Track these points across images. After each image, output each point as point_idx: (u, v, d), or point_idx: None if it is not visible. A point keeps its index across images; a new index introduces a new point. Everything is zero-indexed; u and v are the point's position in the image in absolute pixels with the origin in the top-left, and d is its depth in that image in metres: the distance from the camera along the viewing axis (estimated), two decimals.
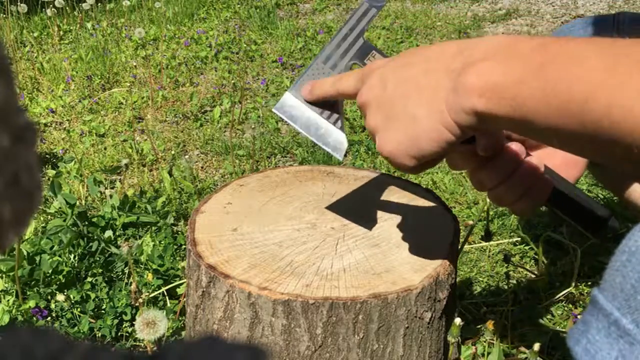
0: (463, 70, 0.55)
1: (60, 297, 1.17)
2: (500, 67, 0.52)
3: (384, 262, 0.84)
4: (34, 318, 1.17)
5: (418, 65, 0.60)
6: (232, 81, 2.57)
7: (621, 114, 0.44)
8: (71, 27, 3.34)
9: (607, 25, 1.08)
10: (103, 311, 1.20)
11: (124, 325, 1.19)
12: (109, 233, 1.38)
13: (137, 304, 1.09)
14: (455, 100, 0.56)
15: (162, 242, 1.36)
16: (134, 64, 2.79)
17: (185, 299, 1.00)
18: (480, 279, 1.34)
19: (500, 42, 0.55)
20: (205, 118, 2.25)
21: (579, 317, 0.54)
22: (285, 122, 0.81)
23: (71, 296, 1.20)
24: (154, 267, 1.27)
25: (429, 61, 0.60)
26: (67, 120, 2.26)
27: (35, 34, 3.22)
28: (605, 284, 0.50)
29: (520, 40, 0.53)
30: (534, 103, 0.49)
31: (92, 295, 1.21)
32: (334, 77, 0.74)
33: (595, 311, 0.50)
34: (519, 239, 1.45)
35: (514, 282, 1.33)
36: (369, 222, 0.93)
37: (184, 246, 1.38)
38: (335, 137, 0.79)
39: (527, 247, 1.43)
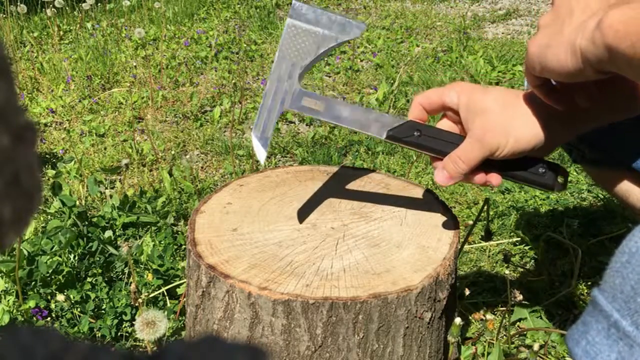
0: (616, 4, 0.58)
1: (60, 297, 1.17)
2: (637, 7, 0.54)
3: (384, 262, 0.84)
4: (34, 318, 1.17)
5: None
6: (232, 81, 2.57)
7: None
8: (71, 27, 3.34)
9: None
10: (103, 311, 1.20)
11: (124, 325, 1.19)
12: (109, 233, 1.37)
13: (137, 304, 1.09)
14: (593, 29, 0.58)
15: (162, 242, 1.36)
16: (134, 64, 2.79)
17: (185, 299, 1.00)
18: (480, 279, 1.34)
19: None
20: (205, 118, 2.25)
21: (579, 317, 0.54)
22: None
23: (71, 296, 1.20)
24: (154, 267, 1.27)
25: None
26: (67, 120, 2.26)
27: (35, 34, 3.22)
28: (605, 285, 0.50)
29: None
30: None
31: (92, 295, 1.21)
32: None
33: (595, 312, 0.50)
34: (519, 239, 1.45)
35: (514, 282, 1.33)
36: (368, 222, 0.93)
37: (184, 246, 1.38)
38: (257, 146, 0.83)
39: (527, 247, 1.43)
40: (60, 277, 1.24)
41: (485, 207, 1.22)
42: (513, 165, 0.79)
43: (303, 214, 0.94)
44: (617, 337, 0.47)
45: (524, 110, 0.75)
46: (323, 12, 0.80)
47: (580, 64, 0.60)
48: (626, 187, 0.94)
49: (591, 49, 0.58)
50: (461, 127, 0.81)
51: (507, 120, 0.75)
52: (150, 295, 1.20)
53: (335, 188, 1.02)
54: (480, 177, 0.78)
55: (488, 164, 0.77)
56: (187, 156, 1.97)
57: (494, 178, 0.79)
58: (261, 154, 0.81)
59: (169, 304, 1.22)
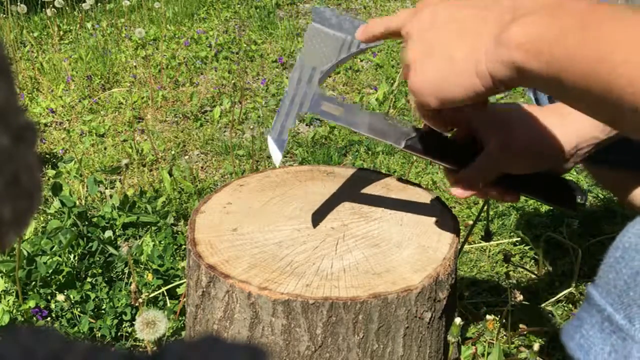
0: (510, 21, 0.54)
1: (60, 297, 1.17)
2: (545, 21, 0.52)
3: (384, 262, 0.84)
4: (34, 318, 1.17)
5: (472, 9, 0.60)
6: (232, 81, 2.57)
7: None
8: (71, 27, 3.34)
9: None
10: (103, 311, 1.20)
11: (124, 325, 1.19)
12: (109, 233, 1.38)
13: (137, 304, 1.09)
14: (495, 49, 0.55)
15: (162, 242, 1.36)
16: (134, 64, 2.79)
17: (185, 299, 1.00)
18: (480, 279, 1.34)
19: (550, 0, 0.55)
20: (205, 118, 2.25)
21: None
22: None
23: (71, 296, 1.20)
24: (154, 267, 1.27)
25: (484, 8, 0.59)
26: (67, 120, 2.26)
27: (35, 34, 3.22)
28: (599, 280, 0.50)
29: (570, 1, 0.53)
30: (568, 60, 0.49)
31: (92, 295, 1.21)
32: (385, 17, 0.73)
33: (590, 307, 0.50)
34: (519, 239, 1.45)
35: (514, 282, 1.33)
36: (368, 222, 0.93)
37: (184, 246, 1.38)
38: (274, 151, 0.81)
39: (527, 247, 1.43)
40: (60, 277, 1.24)
41: (485, 207, 1.22)
42: (531, 182, 0.78)
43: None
44: (610, 330, 0.47)
45: (541, 125, 0.75)
46: (346, 17, 0.80)
47: (491, 84, 0.57)
48: (627, 187, 0.94)
49: (501, 70, 0.55)
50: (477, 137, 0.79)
51: (527, 135, 0.74)
52: (150, 295, 1.20)
53: (340, 191, 1.02)
54: (497, 194, 0.77)
55: (506, 180, 0.76)
56: (187, 156, 1.97)
57: (511, 196, 0.77)
58: (277, 156, 0.80)
59: (169, 304, 1.22)
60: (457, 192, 0.77)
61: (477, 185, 0.76)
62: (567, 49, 0.49)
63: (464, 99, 0.60)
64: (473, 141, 0.77)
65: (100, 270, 1.28)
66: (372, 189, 1.02)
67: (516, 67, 0.54)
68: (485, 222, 1.45)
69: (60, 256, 1.28)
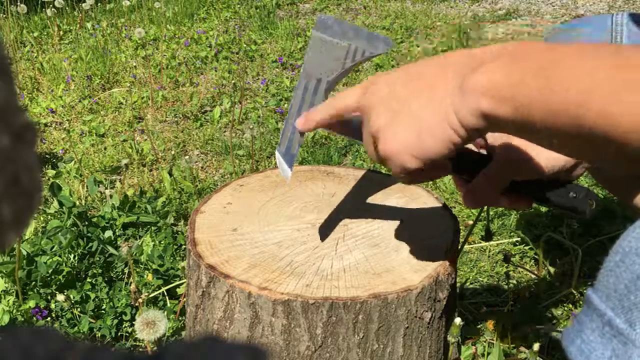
0: (471, 71, 0.55)
1: (60, 297, 1.17)
2: (505, 68, 0.52)
3: (384, 262, 0.84)
4: (34, 318, 1.17)
5: (430, 67, 0.60)
6: (232, 81, 2.57)
7: (616, 116, 0.44)
8: (71, 27, 3.34)
9: (605, 26, 1.08)
10: (103, 311, 1.20)
11: (124, 325, 1.19)
12: (109, 233, 1.38)
13: (137, 304, 1.09)
14: (461, 100, 0.55)
15: (162, 242, 1.36)
16: (134, 64, 2.79)
17: (185, 299, 1.00)
18: (480, 279, 1.34)
19: (510, 46, 0.55)
20: (205, 118, 2.25)
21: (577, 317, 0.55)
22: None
23: (71, 296, 1.20)
24: (154, 267, 1.27)
25: (441, 65, 0.59)
26: (67, 120, 2.26)
27: (35, 34, 3.22)
28: (599, 284, 0.50)
29: (530, 44, 0.53)
30: (534, 104, 0.49)
31: (92, 295, 1.21)
32: (328, 101, 0.72)
33: (590, 311, 0.50)
34: (519, 239, 1.45)
35: (514, 282, 1.33)
36: (368, 222, 0.93)
37: (184, 246, 1.38)
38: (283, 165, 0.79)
39: (527, 247, 1.43)
40: (60, 277, 1.24)
41: (485, 207, 1.22)
42: (542, 189, 0.77)
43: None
44: (611, 335, 0.47)
45: None
46: (350, 25, 0.78)
47: (465, 134, 0.56)
48: (628, 188, 0.94)
49: (471, 119, 0.55)
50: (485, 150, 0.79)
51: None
52: (150, 295, 1.20)
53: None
54: (509, 202, 0.75)
55: (517, 187, 0.75)
56: (187, 156, 1.97)
57: (523, 203, 0.76)
58: (286, 171, 0.76)
59: (169, 304, 1.22)
60: (469, 202, 0.75)
61: (488, 194, 0.74)
62: (531, 91, 0.49)
63: (442, 152, 0.59)
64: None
65: (100, 270, 1.28)
66: (372, 189, 1.02)
67: (484, 114, 0.54)
68: (485, 222, 1.45)
69: (60, 256, 1.28)
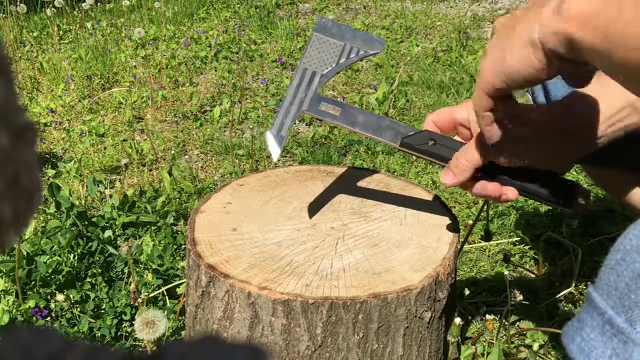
0: None
1: (60, 297, 1.17)
2: None
3: (384, 262, 0.84)
4: (34, 318, 1.17)
5: (538, 7, 0.59)
6: (232, 81, 2.57)
7: None
8: (71, 27, 3.34)
9: None
10: (103, 311, 1.20)
11: (124, 325, 1.19)
12: (108, 233, 1.37)
13: (137, 304, 1.09)
14: (552, 20, 0.55)
15: (162, 242, 1.36)
16: (134, 64, 2.79)
17: (185, 299, 1.00)
18: (480, 279, 1.34)
19: None
20: (205, 118, 2.25)
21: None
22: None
23: (71, 296, 1.20)
24: (154, 267, 1.27)
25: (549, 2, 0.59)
26: (67, 120, 2.26)
27: (35, 34, 3.22)
28: (600, 283, 0.50)
29: None
30: (624, 37, 0.49)
31: (92, 295, 1.21)
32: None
33: (591, 309, 0.50)
34: (519, 239, 1.45)
35: (514, 282, 1.33)
36: (368, 222, 0.93)
37: (184, 246, 1.38)
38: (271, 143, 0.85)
39: (527, 247, 1.43)
40: (60, 277, 1.24)
41: (485, 207, 1.22)
42: (530, 181, 0.78)
43: (311, 211, 0.96)
44: (611, 334, 0.47)
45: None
46: (347, 27, 0.85)
47: (543, 58, 0.57)
48: (625, 188, 0.94)
49: (553, 40, 0.55)
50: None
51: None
52: (150, 295, 1.20)
53: (338, 188, 1.02)
54: (494, 187, 0.77)
55: (504, 175, 0.77)
56: (187, 156, 1.97)
57: (510, 191, 0.77)
58: (275, 151, 0.84)
59: (169, 304, 1.22)
60: (445, 178, 0.77)
61: (462, 169, 0.76)
62: (624, 25, 0.49)
63: (520, 72, 0.59)
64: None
65: (100, 270, 1.28)
66: (372, 189, 1.02)
67: (569, 38, 0.54)
68: (485, 222, 1.45)
69: (60, 256, 1.28)
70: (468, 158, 0.76)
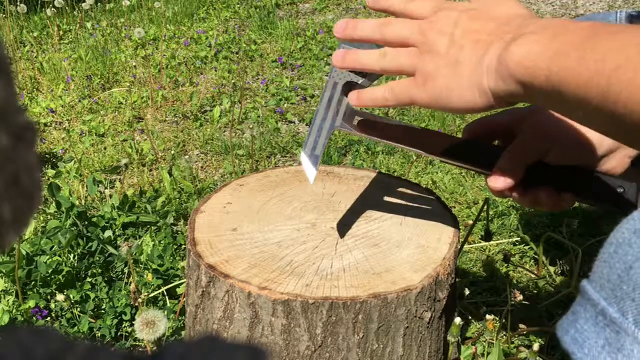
0: (513, 39, 0.57)
1: (60, 297, 1.17)
2: (545, 40, 0.55)
3: (384, 262, 0.84)
4: (34, 318, 1.17)
5: (487, 23, 0.62)
6: (232, 81, 2.57)
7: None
8: (71, 27, 3.34)
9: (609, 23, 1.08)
10: (103, 311, 1.20)
11: (124, 325, 1.19)
12: (108, 233, 1.37)
13: (137, 304, 1.09)
14: (497, 65, 0.58)
15: (162, 242, 1.36)
16: (134, 64, 2.79)
17: (185, 299, 1.00)
18: (480, 279, 1.34)
19: (554, 21, 0.58)
20: (205, 118, 2.25)
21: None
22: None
23: (71, 296, 1.20)
24: (154, 267, 1.27)
25: (496, 24, 0.61)
26: (67, 120, 2.26)
27: (35, 34, 3.22)
28: (593, 275, 0.51)
29: (573, 22, 0.56)
30: (568, 75, 0.52)
31: (92, 296, 1.21)
32: (377, 25, 0.72)
33: (584, 302, 0.51)
34: (519, 239, 1.45)
35: (514, 282, 1.33)
36: (368, 222, 0.93)
37: (184, 246, 1.38)
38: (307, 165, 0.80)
39: (527, 247, 1.43)
40: (60, 277, 1.24)
41: (485, 207, 1.22)
42: (587, 185, 0.74)
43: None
44: (604, 324, 0.48)
45: None
46: (372, 47, 0.80)
47: (491, 101, 0.61)
48: None
49: (502, 87, 0.58)
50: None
51: (560, 119, 0.72)
52: (150, 295, 1.20)
53: (336, 188, 1.02)
54: (549, 194, 0.73)
55: (552, 181, 0.73)
56: (187, 156, 1.97)
57: (567, 198, 0.74)
58: (311, 173, 0.77)
59: (169, 304, 1.22)
60: (495, 181, 0.73)
61: (515, 172, 0.72)
62: (567, 63, 0.52)
63: (461, 111, 0.63)
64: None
65: (100, 270, 1.28)
66: (372, 189, 1.02)
67: (515, 83, 0.57)
68: (485, 222, 1.45)
69: (60, 256, 1.28)
70: (515, 159, 0.73)
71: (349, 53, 0.71)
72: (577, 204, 0.87)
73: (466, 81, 0.61)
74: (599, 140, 0.74)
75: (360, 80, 0.78)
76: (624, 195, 0.73)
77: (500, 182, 0.73)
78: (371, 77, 0.79)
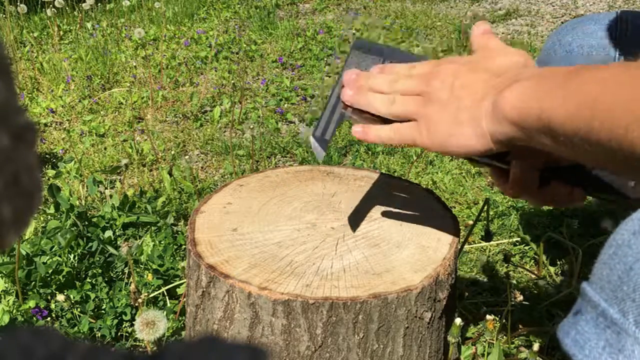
0: (507, 87, 0.62)
1: (60, 297, 1.17)
2: (534, 83, 0.60)
3: (384, 262, 0.84)
4: (34, 318, 1.17)
5: (482, 74, 0.67)
6: (232, 81, 2.57)
7: (618, 120, 0.50)
8: (71, 27, 3.34)
9: (610, 23, 1.08)
10: (103, 311, 1.20)
11: (124, 325, 1.19)
12: (109, 233, 1.37)
13: (137, 304, 1.09)
14: (492, 113, 0.63)
15: (162, 242, 1.36)
16: (134, 64, 2.79)
17: (185, 299, 1.00)
18: (480, 279, 1.34)
19: (544, 68, 0.63)
20: (205, 118, 2.25)
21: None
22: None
23: (71, 296, 1.20)
24: (154, 267, 1.27)
25: (490, 74, 0.67)
26: (67, 120, 2.26)
27: (35, 34, 3.22)
28: (593, 277, 0.52)
29: (560, 67, 0.61)
30: (556, 110, 0.56)
31: (92, 296, 1.21)
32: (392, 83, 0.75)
33: (584, 303, 0.51)
34: (519, 239, 1.45)
35: (514, 282, 1.33)
36: (368, 222, 0.93)
37: (184, 246, 1.38)
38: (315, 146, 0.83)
39: (527, 247, 1.43)
40: (60, 277, 1.24)
41: (485, 207, 1.22)
42: (596, 180, 0.73)
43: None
44: (605, 325, 0.48)
45: None
46: (385, 46, 0.84)
47: (490, 145, 0.65)
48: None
49: (499, 130, 0.63)
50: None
51: None
52: (150, 295, 1.20)
53: (336, 188, 1.02)
54: (564, 190, 0.73)
55: (564, 176, 0.73)
56: (187, 156, 1.97)
57: (578, 193, 0.74)
58: (320, 153, 0.82)
59: (169, 304, 1.22)
60: (514, 192, 0.74)
61: (530, 177, 0.73)
62: (554, 100, 0.56)
63: (462, 155, 0.69)
64: None
65: (100, 270, 1.28)
66: (372, 189, 1.02)
67: (510, 125, 0.61)
68: (485, 222, 1.45)
69: (60, 256, 1.28)
70: (525, 166, 0.73)
71: (361, 91, 0.76)
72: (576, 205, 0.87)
73: (465, 127, 0.66)
74: None
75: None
76: (635, 187, 0.74)
77: (517, 192, 0.74)
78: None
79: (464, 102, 0.66)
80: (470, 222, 1.22)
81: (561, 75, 0.58)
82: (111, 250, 1.32)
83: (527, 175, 0.73)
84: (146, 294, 1.14)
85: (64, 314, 1.20)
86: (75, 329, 1.17)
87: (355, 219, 0.94)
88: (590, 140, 0.53)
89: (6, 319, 1.14)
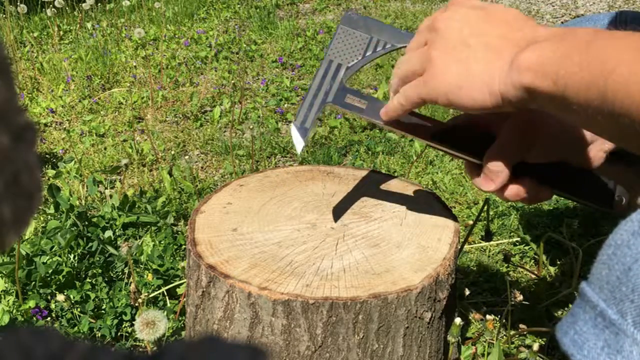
0: (524, 47, 0.60)
1: (60, 297, 1.17)
2: (553, 46, 0.58)
3: (384, 262, 0.84)
4: (34, 318, 1.17)
5: (497, 27, 0.64)
6: (232, 81, 2.57)
7: (636, 88, 0.49)
8: (71, 27, 3.34)
9: (610, 23, 1.08)
10: (103, 311, 1.20)
11: (124, 325, 1.19)
12: (109, 233, 1.37)
13: (137, 304, 1.09)
14: (508, 72, 0.61)
15: (162, 242, 1.36)
16: (134, 64, 2.79)
17: (185, 299, 1.00)
18: (480, 279, 1.34)
19: (562, 29, 0.61)
20: (205, 118, 2.25)
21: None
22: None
23: (71, 296, 1.20)
24: (154, 267, 1.27)
25: (508, 28, 0.64)
26: (67, 120, 2.26)
27: (35, 34, 3.22)
28: (592, 277, 0.52)
29: (580, 28, 0.59)
30: (572, 78, 0.55)
31: (92, 295, 1.21)
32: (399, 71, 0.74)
33: (583, 303, 0.51)
34: (519, 239, 1.45)
35: (514, 282, 1.33)
36: (368, 222, 0.93)
37: (184, 246, 1.38)
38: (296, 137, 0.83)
39: (527, 247, 1.43)
40: (60, 277, 1.24)
41: (485, 207, 1.22)
42: (564, 178, 0.76)
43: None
44: (603, 325, 0.48)
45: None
46: (373, 20, 0.83)
47: (500, 103, 0.63)
48: (627, 185, 0.93)
49: (512, 91, 0.61)
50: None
51: (538, 118, 0.73)
52: (150, 295, 1.20)
53: (336, 188, 1.02)
54: (531, 187, 0.74)
55: (536, 174, 0.74)
56: (187, 156, 1.97)
57: (544, 191, 0.75)
58: (299, 143, 0.82)
59: (169, 304, 1.22)
60: (486, 184, 0.74)
61: (501, 171, 0.73)
62: (571, 66, 0.55)
63: (469, 109, 0.65)
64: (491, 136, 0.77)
65: (100, 270, 1.28)
66: (372, 189, 1.02)
67: (525, 88, 0.59)
68: (485, 222, 1.45)
69: (60, 256, 1.28)
70: (501, 159, 0.73)
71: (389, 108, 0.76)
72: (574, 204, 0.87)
73: (477, 81, 0.63)
74: (575, 135, 0.75)
75: (352, 63, 0.81)
76: (602, 193, 0.75)
77: (492, 185, 0.74)
78: (365, 59, 0.82)
79: (477, 53, 0.64)
80: (470, 222, 1.22)
81: (581, 38, 0.56)
82: (111, 250, 1.32)
83: (503, 169, 0.73)
84: (146, 294, 1.14)
85: (64, 314, 1.20)
86: (75, 329, 1.17)
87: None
88: (604, 112, 0.52)
89: (6, 319, 1.14)
